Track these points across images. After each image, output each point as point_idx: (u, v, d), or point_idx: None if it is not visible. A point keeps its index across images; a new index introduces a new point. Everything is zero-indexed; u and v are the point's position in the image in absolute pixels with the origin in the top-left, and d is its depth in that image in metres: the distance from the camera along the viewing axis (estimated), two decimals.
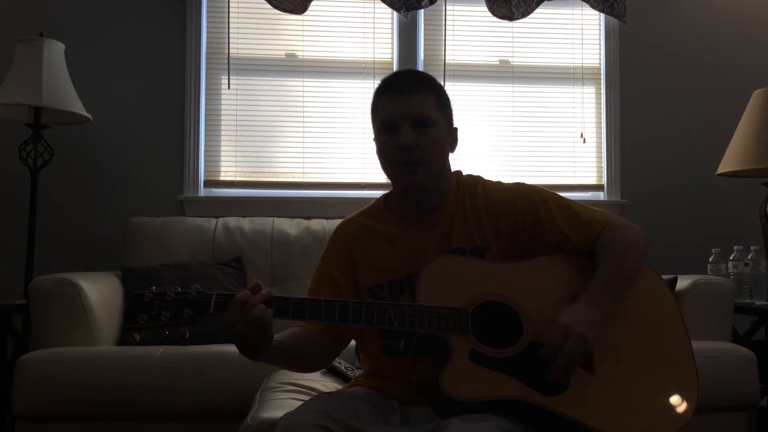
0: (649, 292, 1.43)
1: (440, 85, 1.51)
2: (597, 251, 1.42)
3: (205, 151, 3.21)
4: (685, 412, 1.31)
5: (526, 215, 1.46)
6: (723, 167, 2.90)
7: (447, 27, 3.32)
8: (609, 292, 1.37)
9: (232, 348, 2.17)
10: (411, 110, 1.40)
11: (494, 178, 1.55)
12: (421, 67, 3.32)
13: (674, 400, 1.32)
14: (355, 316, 1.30)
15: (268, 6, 3.15)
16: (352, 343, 1.60)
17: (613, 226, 1.45)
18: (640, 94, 3.41)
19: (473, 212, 1.47)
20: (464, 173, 1.56)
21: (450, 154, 1.50)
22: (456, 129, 1.51)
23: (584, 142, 3.39)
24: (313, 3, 3.18)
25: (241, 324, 1.22)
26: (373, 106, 1.50)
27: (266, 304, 1.24)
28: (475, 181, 1.53)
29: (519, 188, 1.51)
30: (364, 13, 3.32)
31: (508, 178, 1.58)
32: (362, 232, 1.52)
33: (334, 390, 1.63)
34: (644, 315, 1.40)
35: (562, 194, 1.52)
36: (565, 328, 1.27)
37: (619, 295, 1.38)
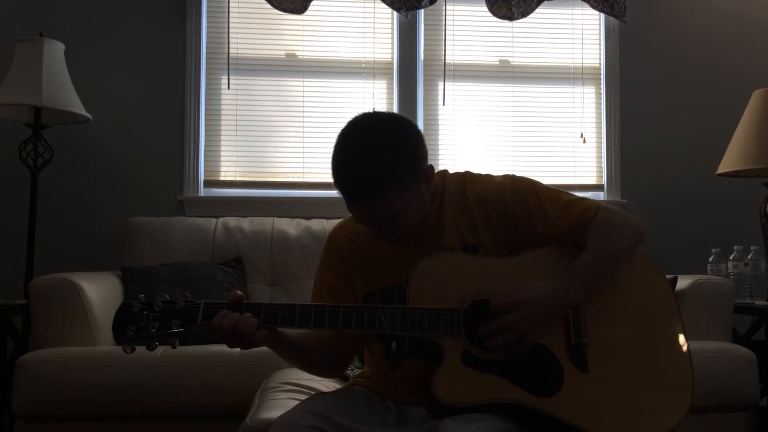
0: (647, 287, 1.41)
1: (396, 162, 1.30)
2: (585, 238, 1.40)
3: (205, 151, 3.21)
4: (679, 411, 1.30)
5: (517, 207, 1.42)
6: (723, 167, 2.90)
7: (447, 27, 3.32)
8: (584, 278, 1.35)
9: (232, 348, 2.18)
10: (371, 216, 1.34)
11: (474, 171, 1.52)
12: (421, 68, 3.32)
13: (668, 399, 1.31)
14: (346, 320, 1.30)
15: (268, 6, 3.15)
16: None
17: (605, 212, 1.42)
18: (640, 94, 3.41)
19: (462, 210, 1.44)
20: (450, 172, 1.52)
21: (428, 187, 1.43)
22: (430, 167, 1.39)
23: (584, 142, 3.39)
24: (313, 3, 3.18)
25: (228, 337, 1.27)
26: None
27: (255, 312, 1.27)
28: (463, 177, 1.49)
29: (509, 180, 1.47)
30: (364, 13, 3.32)
31: None
32: (354, 237, 1.50)
33: (334, 389, 1.62)
34: (642, 312, 1.39)
35: None
36: (517, 299, 1.29)
37: (598, 279, 1.37)
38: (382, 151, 1.29)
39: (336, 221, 2.87)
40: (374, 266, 1.46)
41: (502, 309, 1.30)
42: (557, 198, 1.44)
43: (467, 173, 1.50)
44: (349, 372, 1.89)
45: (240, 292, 1.31)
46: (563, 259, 1.40)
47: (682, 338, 1.37)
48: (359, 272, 1.47)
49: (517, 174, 1.51)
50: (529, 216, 1.42)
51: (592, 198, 1.49)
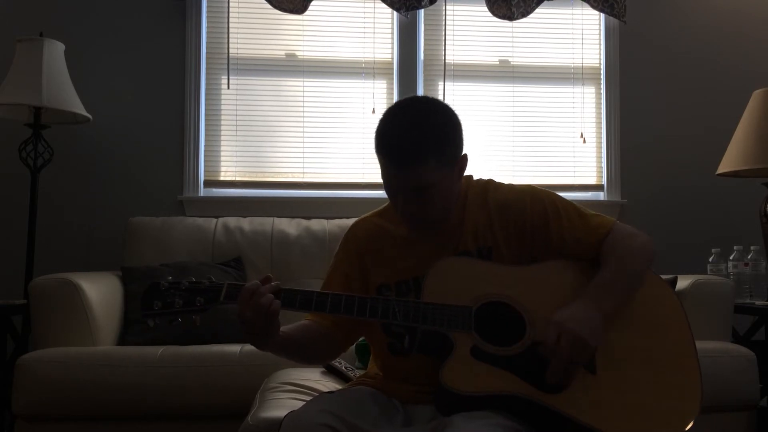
0: (654, 297, 1.43)
1: (441, 135, 1.37)
2: (601, 254, 1.43)
3: (205, 151, 3.21)
4: (688, 415, 1.30)
5: (535, 217, 1.46)
6: (723, 167, 2.90)
7: (447, 27, 3.32)
8: (608, 293, 1.37)
9: (232, 348, 2.19)
10: (409, 183, 1.36)
11: (497, 180, 1.56)
12: (421, 68, 3.33)
13: (677, 402, 1.32)
14: (360, 309, 1.33)
15: (268, 6, 3.15)
16: None
17: (619, 231, 1.46)
18: (640, 94, 3.42)
19: (482, 214, 1.48)
20: (475, 177, 1.56)
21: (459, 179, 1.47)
22: (465, 155, 1.43)
23: (584, 142, 3.39)
24: (313, 3, 3.18)
25: (249, 312, 1.27)
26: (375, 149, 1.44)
27: (274, 295, 1.29)
28: (486, 184, 1.53)
29: (529, 190, 1.51)
30: (364, 13, 3.32)
31: (508, 178, 1.59)
32: (375, 232, 1.53)
33: (335, 390, 1.62)
34: (649, 319, 1.40)
35: (563, 194, 1.53)
36: (558, 326, 1.29)
37: (619, 296, 1.38)
38: (429, 123, 1.37)
39: (336, 221, 2.90)
40: (391, 260, 1.49)
41: (552, 341, 1.28)
42: (574, 211, 1.48)
43: (490, 180, 1.54)
44: (350, 373, 1.89)
45: (270, 275, 1.33)
46: (575, 271, 1.43)
47: (690, 345, 1.38)
48: (375, 265, 1.50)
49: (529, 182, 1.55)
50: (545, 225, 1.45)
51: (607, 216, 1.51)
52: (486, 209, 1.48)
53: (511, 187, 1.53)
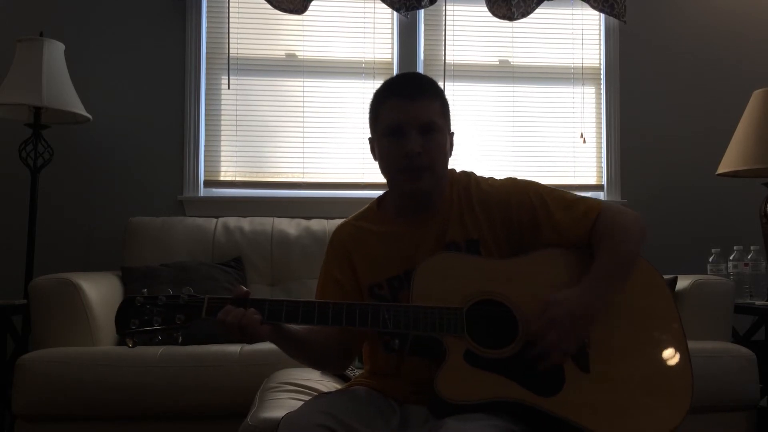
0: (646, 288, 1.42)
1: (442, 89, 1.50)
2: (594, 239, 1.42)
3: (205, 151, 3.21)
4: (679, 412, 1.30)
5: (522, 211, 1.45)
6: (723, 167, 2.90)
7: (447, 27, 3.32)
8: (607, 280, 1.36)
9: (231, 348, 2.19)
10: (418, 116, 1.40)
11: (488, 175, 1.55)
12: (421, 68, 3.33)
13: (668, 400, 1.32)
14: (349, 317, 1.30)
15: (268, 6, 3.15)
16: None
17: (607, 212, 1.44)
18: (640, 94, 3.42)
19: (467, 206, 1.47)
20: (457, 170, 1.56)
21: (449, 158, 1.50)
22: (453, 133, 1.51)
23: (584, 142, 3.39)
24: (313, 3, 3.18)
25: (231, 331, 1.27)
26: (374, 108, 1.49)
27: (258, 308, 1.27)
28: (468, 176, 1.53)
29: (512, 183, 1.51)
30: (364, 13, 3.32)
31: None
32: (357, 233, 1.53)
33: (334, 390, 1.62)
34: (641, 313, 1.39)
35: None
36: (556, 324, 1.28)
37: (617, 281, 1.37)
38: (433, 80, 1.50)
39: (336, 221, 2.89)
40: (378, 258, 1.47)
41: (540, 331, 1.29)
42: (560, 197, 1.47)
43: (472, 174, 1.54)
44: (349, 372, 1.89)
45: (245, 288, 1.31)
46: (567, 260, 1.41)
47: (681, 340, 1.38)
48: (364, 266, 1.49)
49: (519, 177, 1.53)
50: (533, 217, 1.44)
51: (593, 197, 1.50)
52: (470, 203, 1.47)
53: (492, 182, 1.52)
